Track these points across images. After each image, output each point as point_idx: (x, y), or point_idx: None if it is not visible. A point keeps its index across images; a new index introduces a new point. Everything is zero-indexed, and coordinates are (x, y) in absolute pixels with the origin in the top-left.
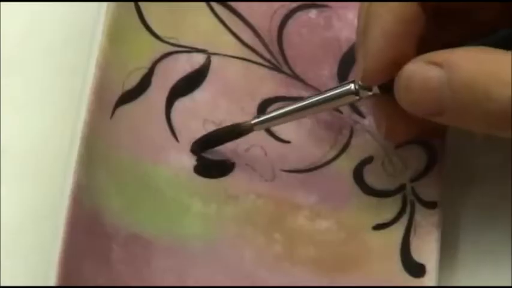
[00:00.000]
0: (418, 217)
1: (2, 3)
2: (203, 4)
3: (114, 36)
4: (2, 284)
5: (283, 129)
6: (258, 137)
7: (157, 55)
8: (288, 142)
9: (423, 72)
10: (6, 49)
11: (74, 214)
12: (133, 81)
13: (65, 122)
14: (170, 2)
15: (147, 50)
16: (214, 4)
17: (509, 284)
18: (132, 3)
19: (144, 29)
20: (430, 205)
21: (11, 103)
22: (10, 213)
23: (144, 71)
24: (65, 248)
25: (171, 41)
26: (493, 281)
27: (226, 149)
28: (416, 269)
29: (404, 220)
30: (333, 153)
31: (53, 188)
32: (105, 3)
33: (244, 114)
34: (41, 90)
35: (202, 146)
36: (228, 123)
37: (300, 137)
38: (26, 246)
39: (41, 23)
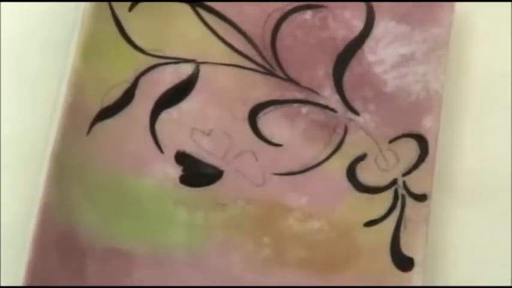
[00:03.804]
0: (408, 211)
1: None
2: (191, 13)
3: (90, 53)
4: (2, 284)
5: (276, 132)
6: (249, 142)
7: (141, 68)
8: (280, 145)
9: None
10: None
11: (43, 232)
12: (113, 96)
13: (41, 140)
14: (155, 13)
15: (129, 64)
16: (201, 11)
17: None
18: (111, 19)
19: (125, 43)
20: (420, 198)
21: None
22: None
23: (126, 85)
24: (32, 265)
25: (157, 53)
26: (484, 274)
27: (215, 157)
28: (405, 263)
29: (395, 215)
30: (327, 152)
31: (24, 206)
32: (80, 20)
33: (235, 120)
34: (22, 99)
35: None
36: (218, 131)
37: (293, 139)
38: None
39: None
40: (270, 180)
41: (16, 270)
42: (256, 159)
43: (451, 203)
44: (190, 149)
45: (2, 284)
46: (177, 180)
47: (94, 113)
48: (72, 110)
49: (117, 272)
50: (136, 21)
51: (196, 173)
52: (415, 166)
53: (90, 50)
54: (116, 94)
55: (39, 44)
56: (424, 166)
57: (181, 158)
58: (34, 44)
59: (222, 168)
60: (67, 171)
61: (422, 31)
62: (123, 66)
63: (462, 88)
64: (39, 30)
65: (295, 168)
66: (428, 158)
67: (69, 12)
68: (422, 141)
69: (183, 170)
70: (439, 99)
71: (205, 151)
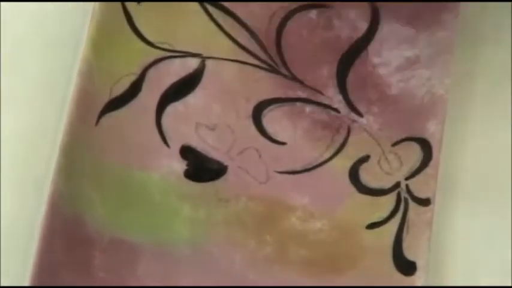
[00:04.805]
0: (411, 215)
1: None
2: (198, 8)
3: (100, 44)
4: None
5: (279, 131)
6: (252, 140)
7: (149, 61)
8: (284, 144)
9: None
10: None
11: (51, 223)
12: (121, 87)
13: (51, 128)
14: (164, 7)
15: (137, 56)
16: (209, 7)
17: (508, 283)
18: (121, 10)
19: (134, 36)
20: (424, 202)
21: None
22: None
23: (133, 77)
24: (39, 257)
25: (164, 46)
26: (488, 278)
27: (219, 153)
28: (407, 267)
29: (397, 218)
30: (329, 153)
31: (33, 196)
32: (90, 12)
33: (239, 117)
34: (29, 95)
35: None
36: (222, 127)
37: (296, 138)
38: (4, 256)
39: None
40: (273, 178)
41: (23, 261)
42: (260, 157)
43: (454, 207)
44: (195, 143)
45: (10, 275)
46: (182, 174)
47: (103, 104)
48: (82, 100)
49: (123, 264)
50: (145, 14)
51: (201, 167)
52: (419, 170)
53: (100, 41)
54: (123, 85)
55: (51, 37)
56: (427, 170)
57: (186, 152)
58: (44, 38)
59: (225, 164)
60: (76, 161)
61: (427, 35)
62: (131, 58)
63: (466, 92)
64: (49, 24)
65: (298, 167)
66: (432, 163)
67: (80, 6)
68: (426, 146)
69: (188, 165)
70: (443, 104)
71: (209, 146)
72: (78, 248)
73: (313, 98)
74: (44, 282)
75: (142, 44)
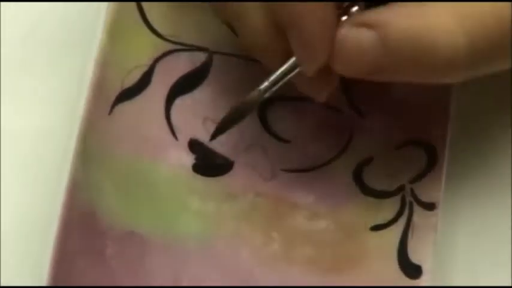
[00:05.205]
0: (416, 218)
1: (2, 3)
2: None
3: (115, 34)
4: (2, 284)
5: (283, 129)
6: (258, 136)
7: (158, 53)
8: (288, 142)
9: (354, 36)
10: (6, 48)
11: (69, 211)
12: (133, 79)
13: (63, 120)
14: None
15: (148, 48)
16: None
17: (508, 285)
18: (134, 4)
19: (145, 27)
20: (429, 206)
21: (10, 102)
22: (7, 211)
23: (144, 68)
24: (58, 244)
25: (173, 39)
26: (491, 282)
27: (226, 148)
28: (412, 270)
29: (402, 221)
30: (333, 153)
31: (49, 185)
32: (105, 2)
33: None
34: (41, 89)
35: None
36: None
37: (300, 137)
38: (22, 243)
39: (41, 22)
40: (279, 176)
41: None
42: (265, 154)
43: (459, 211)
44: (202, 137)
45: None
46: (190, 167)
47: (116, 94)
48: (98, 88)
49: (134, 255)
50: (155, 5)
51: (208, 162)
52: (423, 174)
53: (114, 30)
54: (135, 76)
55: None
56: (432, 175)
57: (194, 146)
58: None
59: (232, 159)
60: (91, 150)
61: None
62: (142, 49)
63: (471, 95)
64: (57, 22)
65: (303, 166)
66: (437, 167)
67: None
68: (430, 149)
69: (196, 159)
70: (448, 107)
71: (216, 141)
72: (92, 236)
73: None
74: (62, 268)
75: (152, 35)
